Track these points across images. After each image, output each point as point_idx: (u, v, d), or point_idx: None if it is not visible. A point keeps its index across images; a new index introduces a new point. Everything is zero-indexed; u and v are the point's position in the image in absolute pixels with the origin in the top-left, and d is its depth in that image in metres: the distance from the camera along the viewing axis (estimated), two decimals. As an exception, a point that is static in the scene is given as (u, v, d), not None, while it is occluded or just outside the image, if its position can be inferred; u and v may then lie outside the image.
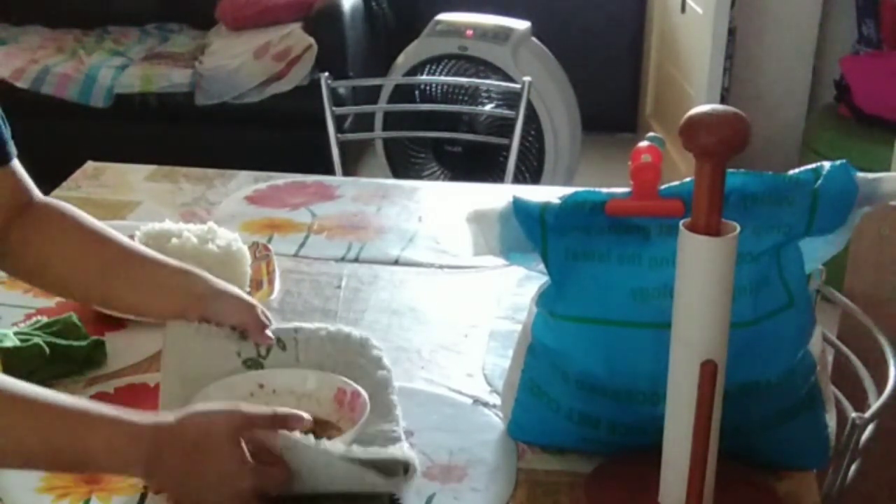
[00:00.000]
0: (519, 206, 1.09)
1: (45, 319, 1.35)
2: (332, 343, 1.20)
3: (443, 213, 1.79)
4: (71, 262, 1.19)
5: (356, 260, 1.61)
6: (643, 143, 1.01)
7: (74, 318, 1.33)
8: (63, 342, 1.29)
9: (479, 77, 3.22)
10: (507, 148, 2.36)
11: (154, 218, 1.57)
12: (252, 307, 1.18)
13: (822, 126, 3.29)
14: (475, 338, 1.39)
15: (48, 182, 1.86)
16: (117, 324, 1.38)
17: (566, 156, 3.36)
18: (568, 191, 1.09)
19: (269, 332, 1.17)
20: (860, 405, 1.21)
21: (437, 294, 1.51)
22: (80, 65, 3.66)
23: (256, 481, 0.96)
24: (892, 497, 1.73)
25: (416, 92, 3.28)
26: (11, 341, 1.27)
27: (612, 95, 4.26)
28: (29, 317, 1.41)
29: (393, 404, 1.15)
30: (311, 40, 3.54)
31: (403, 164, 3.43)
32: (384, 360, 1.20)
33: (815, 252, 1.09)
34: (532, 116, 3.21)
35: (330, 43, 3.55)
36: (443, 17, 3.41)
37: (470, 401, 1.25)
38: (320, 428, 1.07)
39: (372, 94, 3.33)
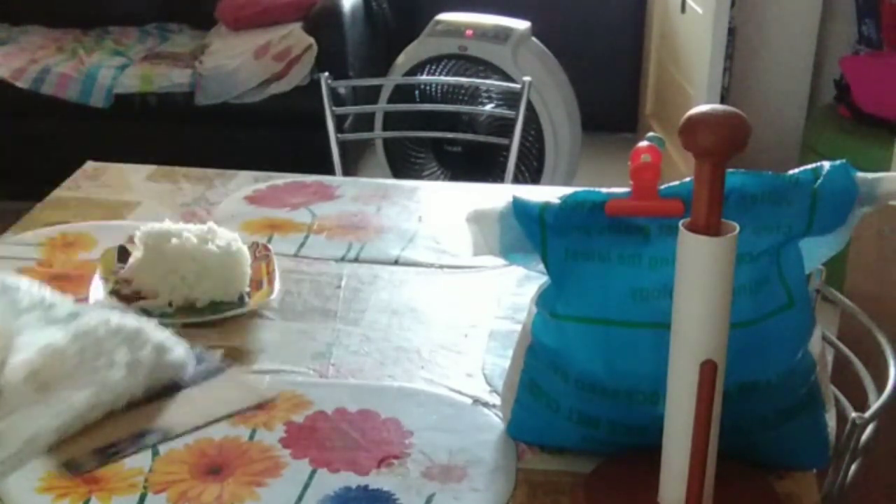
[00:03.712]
0: (518, 206, 1.08)
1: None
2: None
3: (443, 213, 1.79)
4: None
5: (356, 260, 1.61)
6: (643, 143, 1.01)
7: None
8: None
9: (479, 77, 3.22)
10: (507, 148, 2.36)
11: (154, 218, 1.57)
12: None
13: (822, 126, 3.29)
14: (475, 338, 1.39)
15: (48, 182, 1.87)
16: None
17: (566, 156, 3.36)
18: (568, 191, 1.09)
19: None
20: (860, 405, 1.21)
21: (437, 294, 1.51)
22: (80, 65, 3.66)
23: None
24: (892, 497, 1.73)
25: (416, 92, 3.28)
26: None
27: (612, 95, 4.26)
28: (29, 317, 1.41)
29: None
30: (311, 40, 3.53)
31: (403, 164, 3.43)
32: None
33: (815, 252, 1.09)
34: (532, 116, 3.21)
35: (330, 43, 3.55)
36: (443, 17, 3.41)
37: (470, 401, 1.25)
38: None
39: (372, 94, 3.34)
